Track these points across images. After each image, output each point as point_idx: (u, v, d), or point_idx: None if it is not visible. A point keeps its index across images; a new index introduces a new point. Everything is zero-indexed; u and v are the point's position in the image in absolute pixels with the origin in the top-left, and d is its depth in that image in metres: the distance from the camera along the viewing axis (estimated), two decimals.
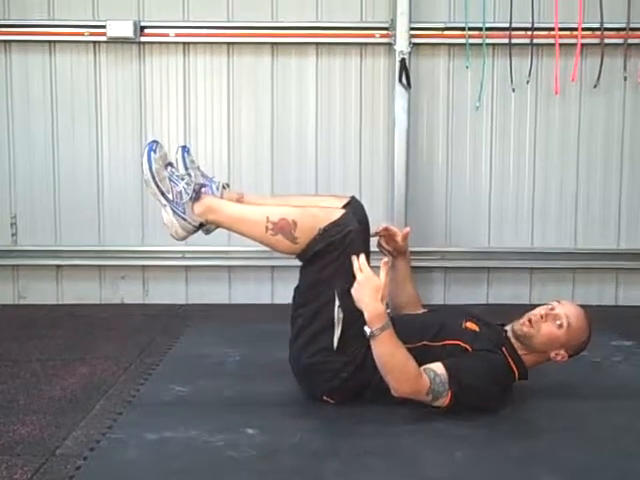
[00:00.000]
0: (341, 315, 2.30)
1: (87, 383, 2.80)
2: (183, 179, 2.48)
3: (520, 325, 2.45)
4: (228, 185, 2.70)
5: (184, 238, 2.53)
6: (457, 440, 2.21)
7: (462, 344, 2.41)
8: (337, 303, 2.32)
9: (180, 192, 2.46)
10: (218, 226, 2.54)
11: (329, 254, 2.38)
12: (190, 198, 2.46)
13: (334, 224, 2.39)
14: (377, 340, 2.24)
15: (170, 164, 2.50)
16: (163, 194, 2.45)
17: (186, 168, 2.61)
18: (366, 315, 2.25)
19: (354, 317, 2.30)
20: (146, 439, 2.22)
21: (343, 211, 2.45)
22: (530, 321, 2.43)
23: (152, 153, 2.43)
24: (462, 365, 2.32)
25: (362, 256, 2.32)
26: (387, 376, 2.27)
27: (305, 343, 2.44)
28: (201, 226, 2.51)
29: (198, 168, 2.68)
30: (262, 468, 2.04)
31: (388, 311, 2.85)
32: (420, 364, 2.36)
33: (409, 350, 2.35)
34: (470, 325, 2.49)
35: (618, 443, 2.23)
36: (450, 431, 2.25)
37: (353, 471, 2.00)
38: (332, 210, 2.45)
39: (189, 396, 2.59)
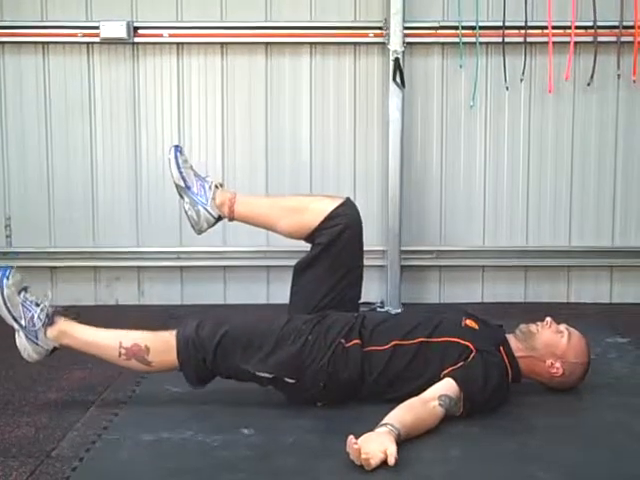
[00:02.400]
0: (265, 374, 2.39)
1: (82, 384, 2.80)
2: (38, 305, 2.47)
3: (526, 325, 2.56)
4: (222, 185, 2.70)
5: (38, 360, 2.53)
6: (451, 438, 2.22)
7: (462, 342, 2.42)
8: (257, 374, 2.40)
9: (32, 317, 2.45)
10: (73, 350, 2.52)
11: (211, 368, 2.44)
12: (43, 324, 2.46)
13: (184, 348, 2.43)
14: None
15: (25, 289, 2.49)
16: (16, 320, 2.45)
17: (178, 167, 2.61)
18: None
19: (280, 353, 2.39)
20: (142, 440, 2.23)
21: (177, 339, 2.47)
22: (536, 323, 2.55)
23: (5, 280, 2.43)
24: (474, 382, 2.33)
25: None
26: None
27: (282, 392, 2.49)
28: (55, 350, 2.51)
29: (191, 167, 2.68)
30: (258, 468, 2.05)
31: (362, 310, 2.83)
32: (421, 361, 2.40)
33: (409, 345, 2.40)
34: (470, 323, 2.52)
35: (612, 440, 2.24)
36: (444, 429, 2.26)
37: (349, 471, 2.00)
38: (170, 342, 2.45)
39: (184, 396, 2.59)
